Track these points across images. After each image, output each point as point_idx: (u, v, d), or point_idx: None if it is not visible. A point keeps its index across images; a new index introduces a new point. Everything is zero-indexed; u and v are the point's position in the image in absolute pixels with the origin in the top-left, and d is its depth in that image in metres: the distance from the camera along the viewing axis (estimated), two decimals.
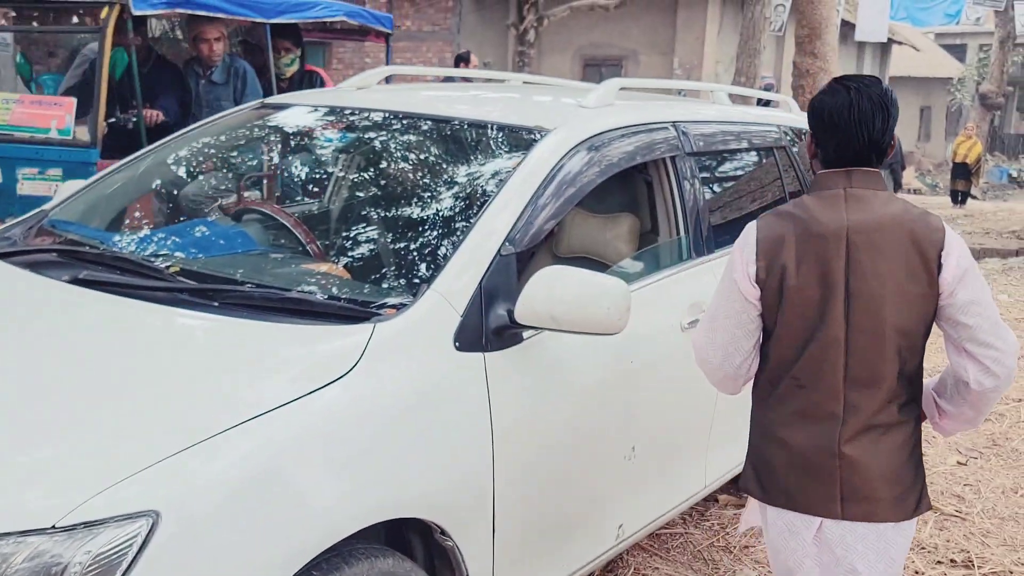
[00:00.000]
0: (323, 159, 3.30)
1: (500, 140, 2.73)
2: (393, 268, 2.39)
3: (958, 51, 33.49)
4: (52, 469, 1.62)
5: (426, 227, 2.49)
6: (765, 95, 5.05)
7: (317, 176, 3.41)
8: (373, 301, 2.19)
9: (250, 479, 1.72)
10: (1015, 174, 26.00)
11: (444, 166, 2.73)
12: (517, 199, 2.42)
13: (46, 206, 2.97)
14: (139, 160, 3.11)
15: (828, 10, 7.48)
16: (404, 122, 2.92)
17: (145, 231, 2.89)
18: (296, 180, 3.36)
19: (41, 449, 1.66)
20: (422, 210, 2.59)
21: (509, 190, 2.43)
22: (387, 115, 2.96)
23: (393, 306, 2.15)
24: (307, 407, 1.85)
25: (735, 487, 3.94)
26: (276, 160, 3.39)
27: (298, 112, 3.23)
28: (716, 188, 3.48)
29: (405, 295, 2.19)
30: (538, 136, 2.65)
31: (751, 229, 2.15)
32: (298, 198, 3.37)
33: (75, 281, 2.28)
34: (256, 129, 3.27)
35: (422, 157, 2.81)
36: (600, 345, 2.45)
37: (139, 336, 2.06)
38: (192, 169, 3.21)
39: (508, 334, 2.26)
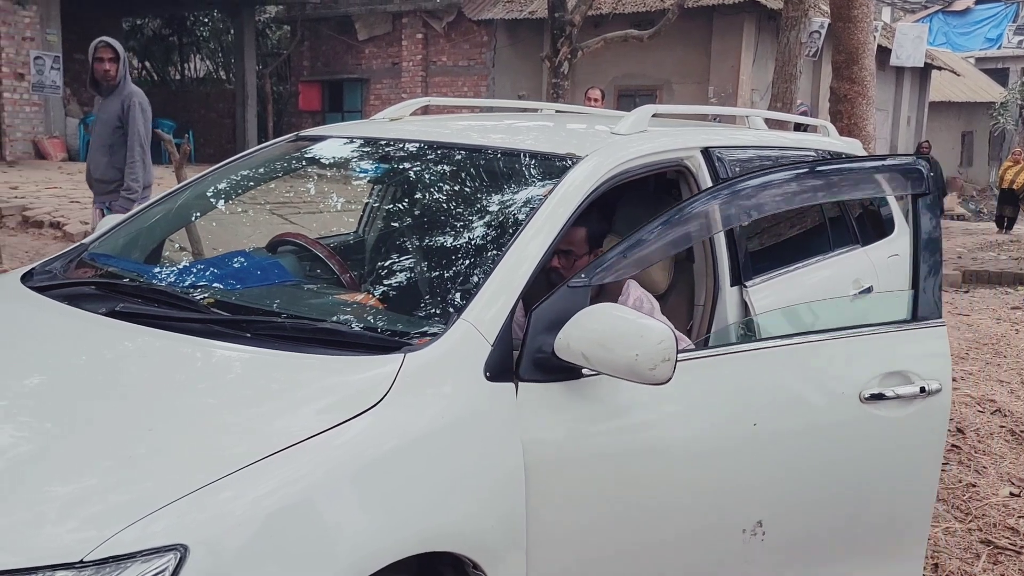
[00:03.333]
0: (357, 189, 3.31)
1: (532, 168, 2.72)
2: (424, 298, 2.38)
3: (1000, 75, 33.07)
4: (82, 502, 1.61)
5: (457, 256, 2.47)
6: (803, 120, 4.99)
7: (352, 206, 3.42)
8: (404, 331, 2.17)
9: (279, 512, 1.71)
10: None
11: (476, 195, 2.72)
12: (549, 226, 2.40)
13: (86, 240, 3.01)
14: (179, 193, 3.14)
15: (865, 35, 7.42)
16: (436, 152, 2.92)
17: (182, 263, 2.92)
18: (331, 210, 3.38)
19: (72, 482, 1.66)
20: (454, 239, 2.58)
21: (540, 218, 2.41)
22: (419, 145, 2.97)
23: (423, 336, 2.13)
24: (336, 439, 1.83)
25: None
26: (312, 191, 3.41)
27: (333, 144, 3.25)
28: (752, 215, 3.42)
29: (435, 325, 2.18)
30: (570, 163, 2.63)
31: None
32: (333, 228, 3.39)
33: (111, 313, 2.29)
34: (294, 161, 3.29)
35: (454, 186, 2.80)
36: (659, 392, 2.25)
37: (171, 368, 2.07)
38: (230, 201, 3.24)
39: (554, 366, 2.17)
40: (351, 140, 3.23)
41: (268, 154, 3.28)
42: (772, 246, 3.50)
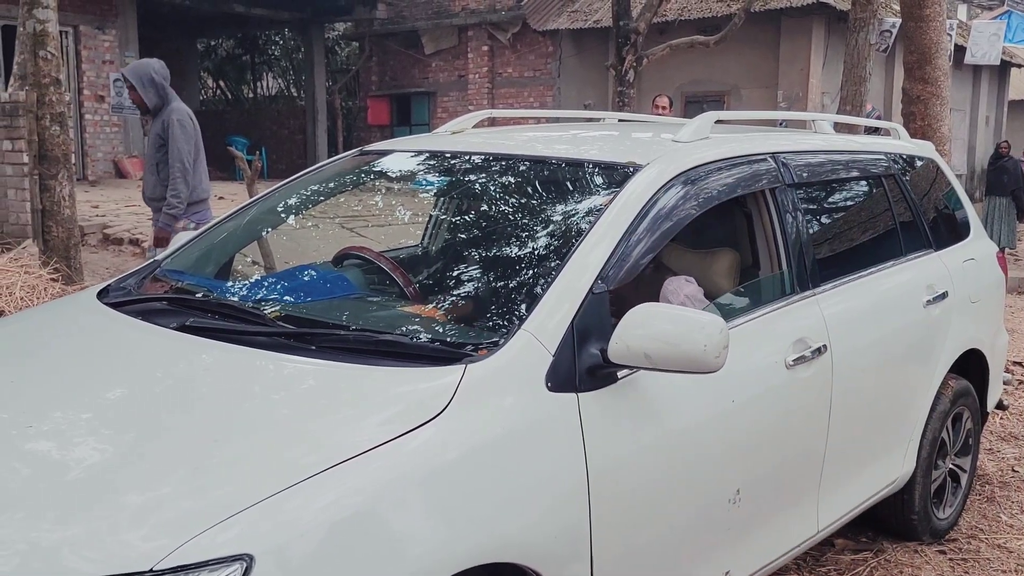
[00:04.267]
0: (421, 202, 3.35)
1: (593, 178, 2.72)
2: (486, 309, 2.39)
3: None
4: (153, 512, 1.66)
5: (519, 267, 2.48)
6: (874, 123, 4.88)
7: (417, 219, 3.46)
8: (465, 342, 2.18)
9: (344, 522, 1.73)
10: None
11: (537, 205, 2.73)
12: (609, 236, 2.39)
13: (159, 256, 3.09)
14: (247, 209, 3.21)
15: (938, 34, 7.22)
16: (497, 163, 2.93)
17: (251, 278, 2.98)
18: (396, 223, 3.42)
19: (143, 493, 1.71)
20: (515, 250, 2.59)
21: (601, 227, 2.41)
22: (481, 157, 2.99)
23: (485, 347, 2.14)
24: (399, 450, 1.85)
25: (852, 531, 3.76)
26: (378, 205, 3.46)
27: (397, 158, 3.29)
28: (821, 220, 3.37)
29: (497, 335, 2.19)
30: (631, 172, 2.62)
31: None
32: (400, 241, 3.43)
33: (182, 328, 2.35)
34: (358, 175, 3.34)
35: (515, 197, 2.81)
36: (698, 384, 2.39)
37: (238, 380, 2.11)
38: (297, 216, 3.30)
39: (602, 374, 2.22)
40: (414, 153, 3.26)
41: (333, 169, 3.34)
42: (843, 252, 3.42)
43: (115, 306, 2.61)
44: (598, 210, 2.47)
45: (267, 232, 3.24)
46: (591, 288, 2.27)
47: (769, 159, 3.07)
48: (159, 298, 2.64)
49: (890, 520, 3.74)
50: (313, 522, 1.70)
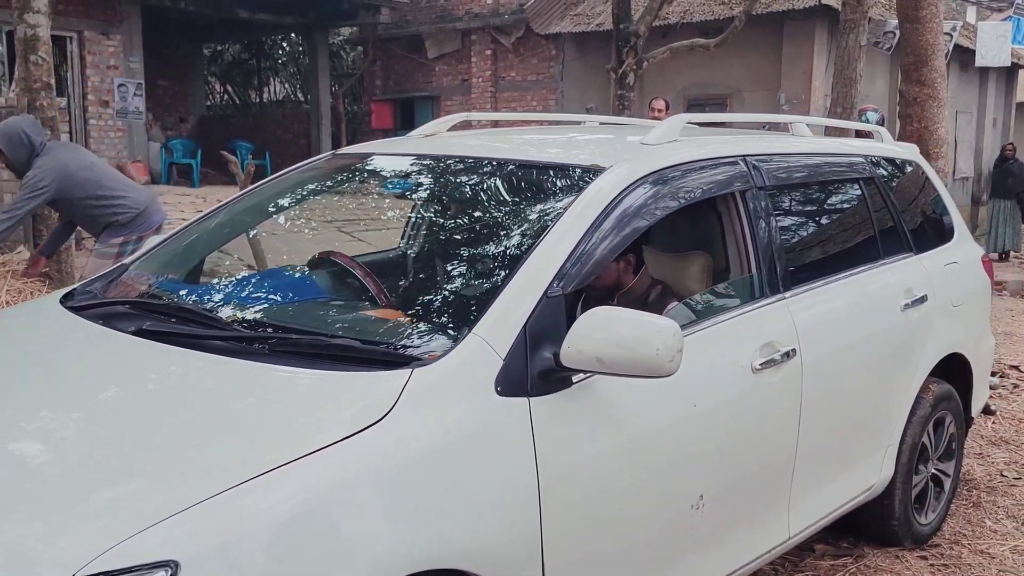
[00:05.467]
0: (392, 205, 3.34)
1: (554, 180, 2.70)
2: (441, 312, 2.37)
3: None
4: (78, 519, 1.64)
5: (475, 270, 2.47)
6: (861, 126, 4.84)
7: (389, 222, 3.45)
8: (415, 346, 2.17)
9: (282, 527, 1.71)
10: None
11: (498, 208, 2.72)
12: (568, 239, 2.37)
13: (127, 259, 3.09)
14: (215, 214, 3.21)
15: (934, 36, 7.17)
16: (462, 167, 2.92)
17: (218, 282, 2.98)
18: (370, 226, 3.41)
19: (70, 499, 1.69)
20: (473, 253, 2.58)
21: (559, 230, 2.39)
22: (449, 161, 2.97)
23: (435, 351, 2.12)
24: (339, 454, 1.84)
25: (832, 536, 3.73)
26: (350, 207, 3.46)
27: (369, 161, 3.28)
28: (794, 223, 3.34)
29: (447, 339, 2.17)
30: (594, 174, 2.60)
31: None
32: (373, 245, 3.43)
33: (137, 332, 2.35)
34: (332, 178, 3.33)
35: (477, 200, 2.80)
36: (659, 388, 2.36)
37: (183, 385, 2.10)
38: (268, 219, 3.29)
39: (555, 378, 2.20)
40: (386, 156, 3.25)
41: (307, 173, 3.33)
42: (816, 255, 3.39)
43: (77, 310, 2.61)
44: (557, 213, 2.45)
45: (239, 235, 3.23)
46: (546, 291, 2.25)
47: (739, 162, 3.05)
48: (120, 302, 2.63)
49: (870, 526, 3.70)
50: (248, 527, 1.68)
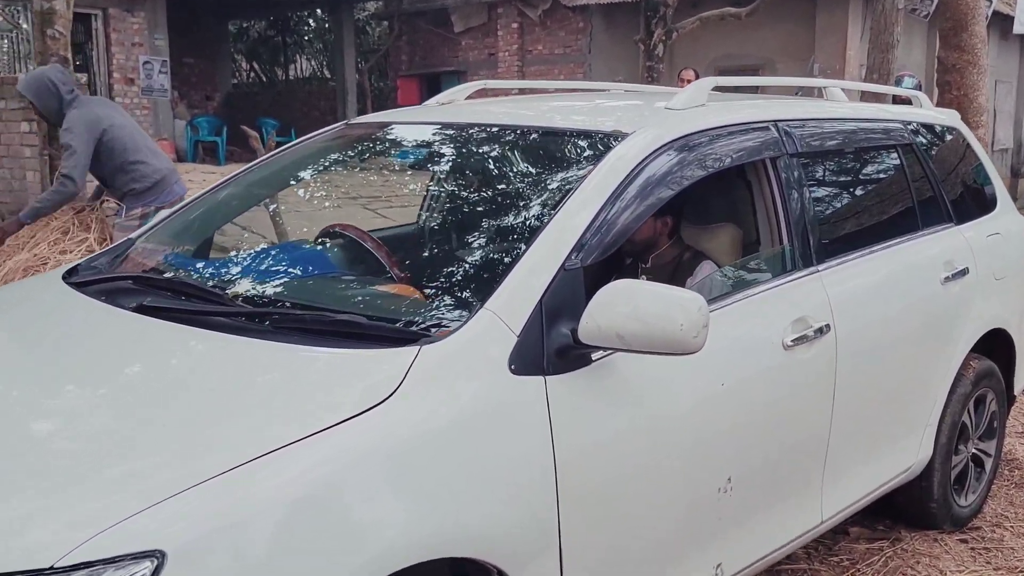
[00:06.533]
0: (405, 177, 3.22)
1: (574, 147, 2.56)
2: (450, 287, 2.25)
3: None
4: (67, 504, 1.55)
5: (492, 242, 2.35)
6: (899, 91, 4.64)
7: (403, 193, 3.33)
8: (423, 322, 2.05)
9: (278, 512, 1.61)
10: None
11: (515, 177, 2.59)
12: (587, 209, 2.24)
13: (133, 234, 3.00)
14: (224, 187, 3.10)
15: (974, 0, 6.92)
16: (480, 134, 2.79)
17: (227, 256, 2.87)
18: (381, 199, 3.30)
19: (59, 483, 1.60)
20: (490, 224, 2.45)
21: (577, 200, 2.26)
22: (466, 129, 2.85)
23: (445, 326, 2.01)
24: (343, 435, 1.73)
25: (868, 519, 3.59)
26: (364, 179, 3.34)
27: (382, 131, 3.16)
28: (828, 192, 3.18)
29: (458, 315, 2.05)
30: (615, 141, 2.47)
31: None
32: (385, 216, 3.31)
33: (138, 309, 2.25)
34: (344, 149, 3.22)
35: (495, 169, 2.67)
36: (685, 365, 2.23)
37: (178, 364, 2.01)
38: (279, 191, 3.19)
39: (573, 355, 2.08)
40: (399, 126, 3.13)
41: (317, 144, 3.22)
42: (851, 226, 3.23)
43: (80, 285, 2.52)
44: (576, 182, 2.32)
45: (250, 208, 3.13)
46: (563, 264, 2.12)
47: (771, 127, 2.89)
48: (122, 277, 2.54)
49: (907, 508, 3.56)
50: (246, 512, 1.58)
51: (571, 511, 2.02)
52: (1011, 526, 3.69)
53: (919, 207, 3.43)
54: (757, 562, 2.65)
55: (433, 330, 2.00)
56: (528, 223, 2.32)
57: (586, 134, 2.58)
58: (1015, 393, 3.99)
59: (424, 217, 3.27)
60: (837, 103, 3.45)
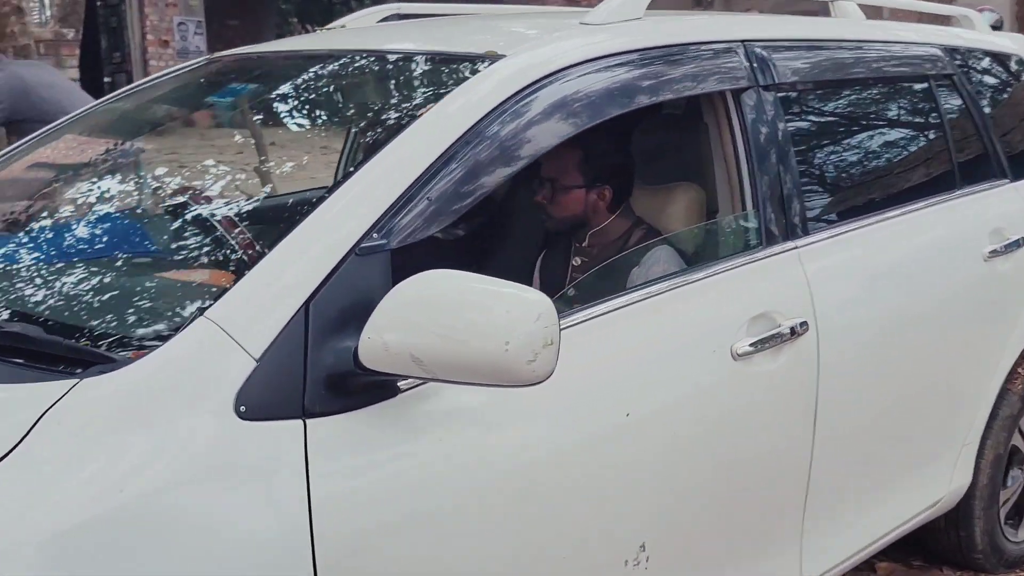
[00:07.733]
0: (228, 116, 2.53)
1: (427, 78, 1.83)
2: (185, 280, 1.55)
3: None
4: None
5: (265, 212, 1.63)
6: (953, 10, 3.64)
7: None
8: (119, 335, 1.36)
9: None
10: None
11: (332, 122, 1.87)
12: (409, 164, 1.52)
13: None
14: (47, 133, 2.44)
15: None
16: (316, 67, 2.06)
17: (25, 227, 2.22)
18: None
19: None
20: (273, 187, 1.74)
21: (395, 150, 1.53)
22: (301, 59, 2.14)
23: (145, 345, 1.31)
24: None
25: (898, 552, 2.80)
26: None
27: (245, 64, 2.46)
28: (818, 139, 2.39)
29: (167, 326, 1.35)
30: (480, 68, 1.73)
31: None
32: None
33: None
34: (202, 85, 2.53)
35: (316, 112, 1.96)
36: (564, 391, 1.50)
37: None
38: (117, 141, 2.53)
39: (361, 385, 1.37)
40: (260, 57, 2.41)
41: (176, 79, 2.52)
42: (851, 186, 2.43)
43: None
44: (402, 126, 1.59)
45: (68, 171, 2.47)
46: (357, 243, 1.41)
47: (737, 50, 2.11)
48: None
49: (941, 549, 2.78)
50: None
51: None
52: None
53: (957, 159, 2.59)
54: None
55: (122, 352, 1.30)
56: (320, 187, 1.59)
57: (450, 58, 1.84)
58: None
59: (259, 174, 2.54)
60: (846, 21, 2.62)
